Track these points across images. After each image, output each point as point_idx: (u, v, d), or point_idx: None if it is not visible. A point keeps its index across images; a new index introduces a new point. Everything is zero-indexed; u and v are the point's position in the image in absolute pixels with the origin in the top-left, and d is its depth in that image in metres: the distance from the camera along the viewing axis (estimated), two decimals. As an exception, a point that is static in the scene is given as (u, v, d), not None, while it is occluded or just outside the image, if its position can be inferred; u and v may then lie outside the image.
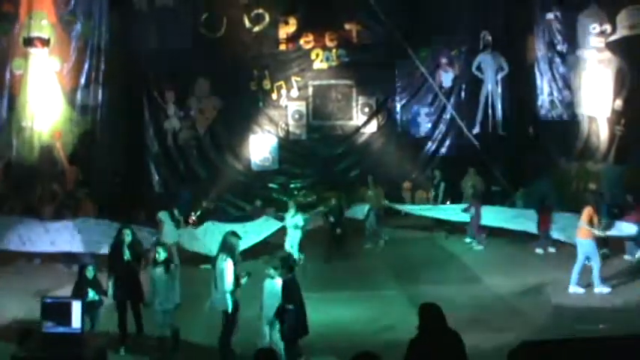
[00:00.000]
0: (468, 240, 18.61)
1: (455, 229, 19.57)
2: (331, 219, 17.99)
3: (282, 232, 17.41)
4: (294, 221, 16.76)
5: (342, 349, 11.00)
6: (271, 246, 17.01)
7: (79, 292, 11.05)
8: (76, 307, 8.36)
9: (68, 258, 16.21)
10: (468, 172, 20.45)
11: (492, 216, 18.45)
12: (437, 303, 7.19)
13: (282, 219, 17.37)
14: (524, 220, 17.98)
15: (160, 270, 11.14)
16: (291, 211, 17.04)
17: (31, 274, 16.19)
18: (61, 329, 8.30)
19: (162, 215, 16.24)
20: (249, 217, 18.10)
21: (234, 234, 11.05)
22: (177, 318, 11.40)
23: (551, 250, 17.37)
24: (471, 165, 20.68)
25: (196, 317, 12.51)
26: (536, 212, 17.69)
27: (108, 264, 12.18)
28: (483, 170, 21.11)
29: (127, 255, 11.70)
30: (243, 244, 16.12)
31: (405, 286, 15.01)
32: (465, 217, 18.65)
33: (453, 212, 19.35)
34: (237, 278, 10.62)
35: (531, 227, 17.68)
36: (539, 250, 17.45)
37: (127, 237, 11.80)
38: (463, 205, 18.94)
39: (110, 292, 11.64)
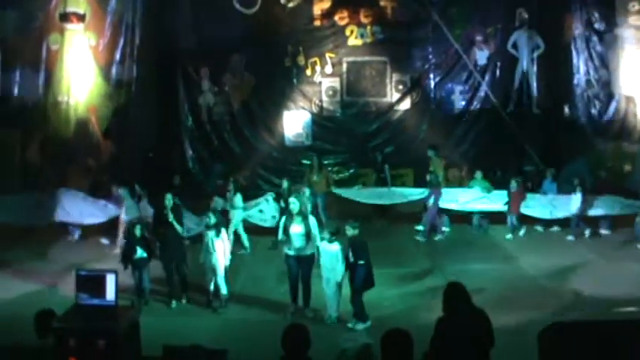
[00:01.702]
0: (420, 227, 17.53)
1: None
2: (282, 204, 16.72)
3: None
4: (234, 201, 16.55)
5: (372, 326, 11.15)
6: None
7: (128, 250, 12.59)
8: (110, 280, 8.46)
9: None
10: (430, 156, 18.96)
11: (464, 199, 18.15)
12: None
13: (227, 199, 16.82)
14: (488, 201, 17.98)
15: (211, 233, 12.54)
16: (231, 190, 16.74)
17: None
18: (95, 301, 8.42)
19: (123, 191, 16.29)
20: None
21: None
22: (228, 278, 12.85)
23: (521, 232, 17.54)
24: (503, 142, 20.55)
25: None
26: (507, 194, 17.59)
27: (153, 227, 13.59)
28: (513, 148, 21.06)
29: (170, 217, 12.83)
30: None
31: (438, 264, 15.08)
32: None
33: (412, 195, 18.62)
34: (286, 230, 12.14)
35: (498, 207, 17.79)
36: (509, 236, 17.43)
37: (169, 201, 12.96)
38: (421, 190, 18.26)
39: (157, 252, 13.03)
